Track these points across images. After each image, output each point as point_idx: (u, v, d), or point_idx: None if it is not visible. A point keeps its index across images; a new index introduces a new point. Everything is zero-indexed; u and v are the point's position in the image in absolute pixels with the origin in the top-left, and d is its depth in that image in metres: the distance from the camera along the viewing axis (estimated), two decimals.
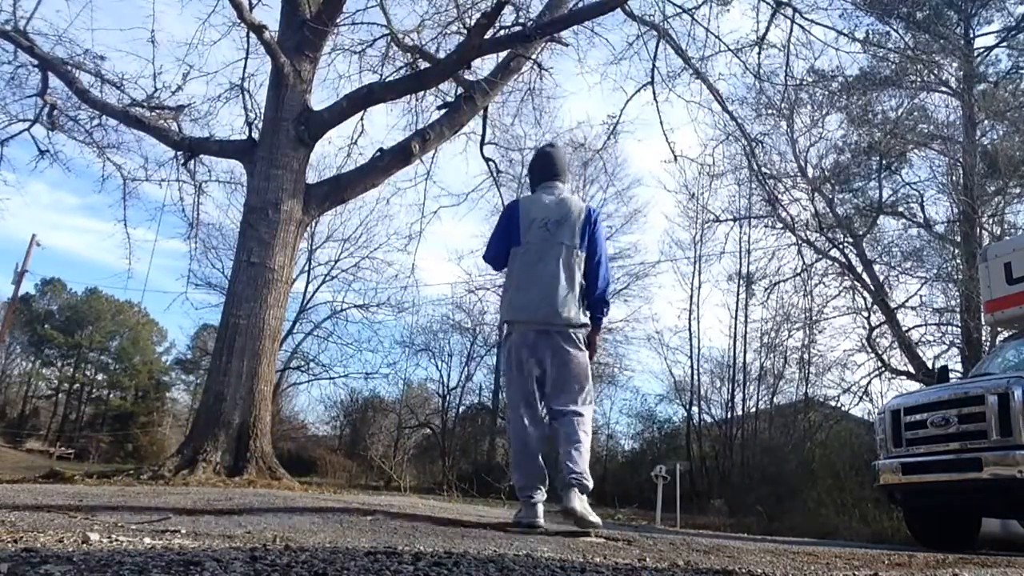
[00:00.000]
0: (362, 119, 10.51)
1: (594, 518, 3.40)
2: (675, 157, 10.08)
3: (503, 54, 9.08)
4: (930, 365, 13.56)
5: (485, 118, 10.22)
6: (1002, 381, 5.25)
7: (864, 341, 15.63)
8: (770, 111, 13.28)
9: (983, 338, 13.09)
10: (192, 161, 9.65)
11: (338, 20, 9.14)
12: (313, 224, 17.76)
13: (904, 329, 14.85)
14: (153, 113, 9.49)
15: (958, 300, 14.25)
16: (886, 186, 15.64)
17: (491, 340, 23.61)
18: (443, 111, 9.33)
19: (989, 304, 7.11)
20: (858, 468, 11.59)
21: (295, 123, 8.15)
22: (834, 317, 17.42)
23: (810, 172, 15.46)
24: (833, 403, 17.55)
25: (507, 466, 20.14)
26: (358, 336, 39.63)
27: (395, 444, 24.95)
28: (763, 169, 12.86)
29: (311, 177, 9.01)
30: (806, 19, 9.13)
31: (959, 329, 14.32)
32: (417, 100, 10.28)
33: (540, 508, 3.51)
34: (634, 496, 15.65)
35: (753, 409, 21.00)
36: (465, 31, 8.36)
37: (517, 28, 8.64)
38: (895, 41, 13.63)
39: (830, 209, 15.19)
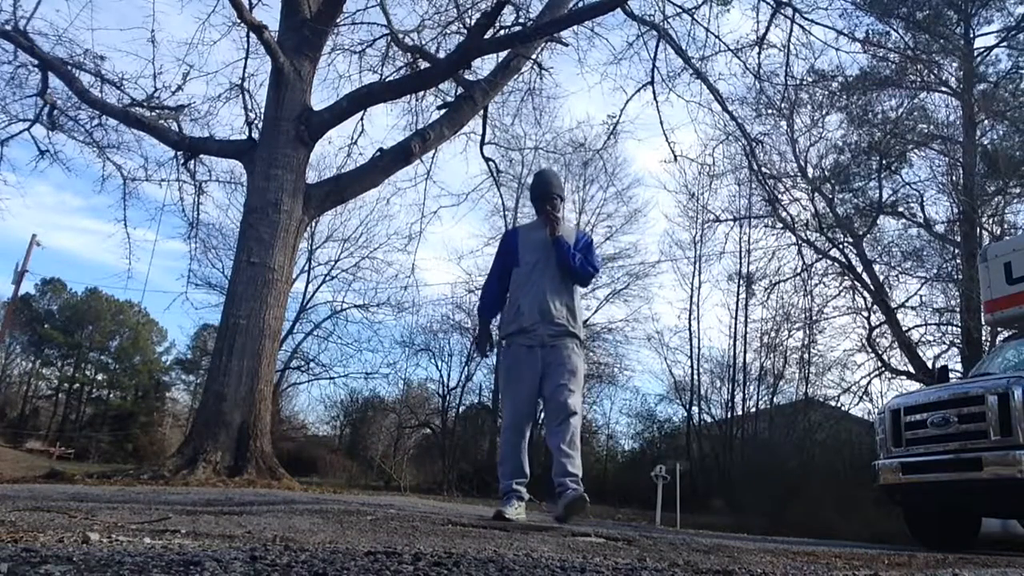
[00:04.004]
0: (362, 119, 10.55)
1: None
2: (675, 157, 10.10)
3: (503, 54, 9.09)
4: (930, 365, 13.55)
5: (485, 118, 10.24)
6: (1002, 381, 5.25)
7: (864, 341, 15.63)
8: (770, 111, 13.27)
9: (983, 338, 13.08)
10: (192, 161, 9.67)
11: (338, 20, 9.16)
12: (313, 224, 17.79)
13: (904, 329, 14.85)
14: (153, 113, 9.51)
15: (958, 300, 14.23)
16: (886, 186, 15.62)
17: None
18: (443, 111, 9.34)
19: (989, 304, 7.11)
20: (858, 468, 11.60)
21: (295, 123, 8.15)
22: (834, 317, 17.43)
23: (810, 172, 15.46)
24: (833, 403, 17.55)
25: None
26: (358, 336, 39.52)
27: (395, 444, 24.89)
28: (763, 169, 12.84)
29: (311, 177, 9.02)
30: (806, 19, 9.13)
31: (959, 329, 14.30)
32: (417, 100, 10.30)
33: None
34: (634, 496, 15.65)
35: (753, 409, 21.01)
36: (465, 31, 8.37)
37: (517, 28, 8.65)
38: (895, 41, 13.63)
39: (830, 209, 15.18)
